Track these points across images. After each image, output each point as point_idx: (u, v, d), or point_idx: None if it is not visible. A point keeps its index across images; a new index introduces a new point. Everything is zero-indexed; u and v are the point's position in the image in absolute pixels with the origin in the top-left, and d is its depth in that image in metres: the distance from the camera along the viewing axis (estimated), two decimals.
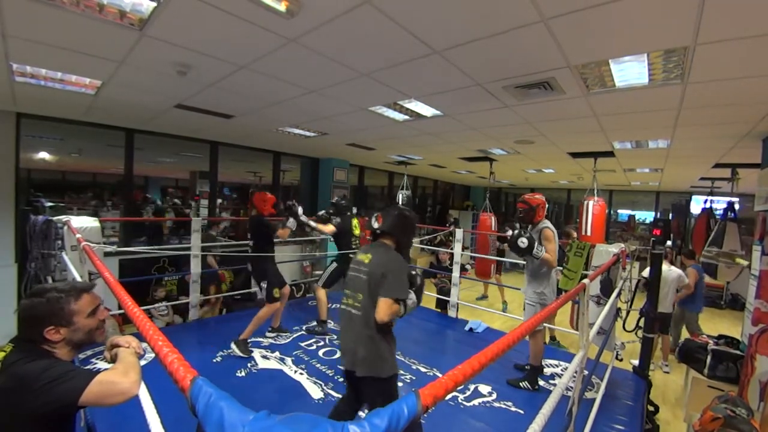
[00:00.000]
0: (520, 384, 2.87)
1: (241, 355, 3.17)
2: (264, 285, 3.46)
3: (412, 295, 1.90)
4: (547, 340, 4.70)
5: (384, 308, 1.75)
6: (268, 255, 3.52)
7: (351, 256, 4.22)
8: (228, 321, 4.12)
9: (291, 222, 3.60)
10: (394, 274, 1.80)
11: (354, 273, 1.93)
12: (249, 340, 3.31)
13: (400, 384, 2.91)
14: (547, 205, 3.01)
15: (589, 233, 4.74)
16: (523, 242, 2.65)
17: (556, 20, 1.75)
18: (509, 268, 9.20)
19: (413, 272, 1.99)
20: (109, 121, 4.58)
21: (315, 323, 3.98)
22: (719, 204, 6.25)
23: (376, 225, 1.98)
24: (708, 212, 5.63)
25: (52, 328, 1.17)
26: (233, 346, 3.21)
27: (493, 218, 6.54)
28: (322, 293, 4.03)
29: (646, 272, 3.87)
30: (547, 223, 2.91)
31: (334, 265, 4.11)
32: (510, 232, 2.77)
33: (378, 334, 1.81)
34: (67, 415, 1.17)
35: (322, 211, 4.39)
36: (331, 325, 4.12)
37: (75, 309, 1.22)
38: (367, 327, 1.82)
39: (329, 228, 3.98)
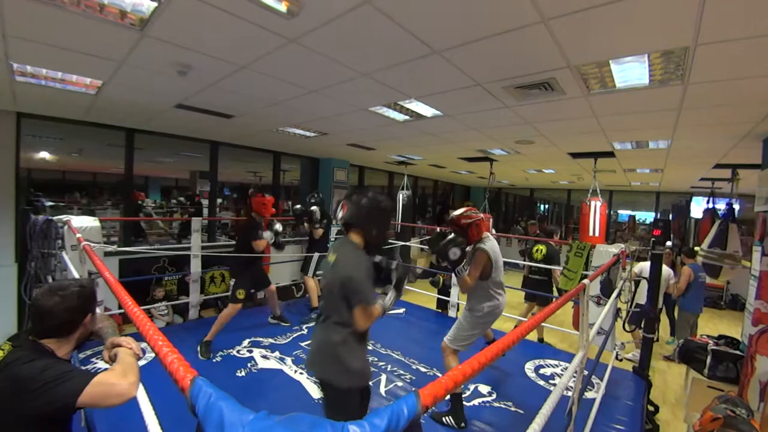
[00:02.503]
0: (443, 419, 2.43)
1: (201, 357, 3.12)
2: (231, 283, 3.54)
3: (391, 293, 1.67)
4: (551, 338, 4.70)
5: (360, 316, 1.52)
6: (244, 256, 3.53)
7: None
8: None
9: (268, 234, 3.55)
10: (358, 279, 1.53)
11: (321, 273, 1.76)
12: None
13: (399, 384, 2.94)
14: (482, 220, 2.62)
15: (597, 234, 4.82)
16: (454, 253, 2.42)
17: (557, 20, 1.75)
18: (507, 269, 9.19)
19: (392, 266, 1.71)
20: (110, 121, 4.57)
21: (310, 314, 4.14)
22: (720, 204, 6.24)
23: (340, 214, 1.67)
24: (712, 212, 5.63)
25: (90, 315, 1.17)
26: (198, 347, 3.19)
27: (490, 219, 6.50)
28: (311, 282, 4.24)
29: (636, 268, 3.88)
30: (487, 244, 2.56)
31: (317, 254, 4.31)
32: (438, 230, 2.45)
33: (337, 337, 1.56)
34: (65, 416, 1.17)
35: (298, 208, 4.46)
36: None
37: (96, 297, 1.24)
38: (324, 330, 1.61)
39: (319, 232, 4.28)
